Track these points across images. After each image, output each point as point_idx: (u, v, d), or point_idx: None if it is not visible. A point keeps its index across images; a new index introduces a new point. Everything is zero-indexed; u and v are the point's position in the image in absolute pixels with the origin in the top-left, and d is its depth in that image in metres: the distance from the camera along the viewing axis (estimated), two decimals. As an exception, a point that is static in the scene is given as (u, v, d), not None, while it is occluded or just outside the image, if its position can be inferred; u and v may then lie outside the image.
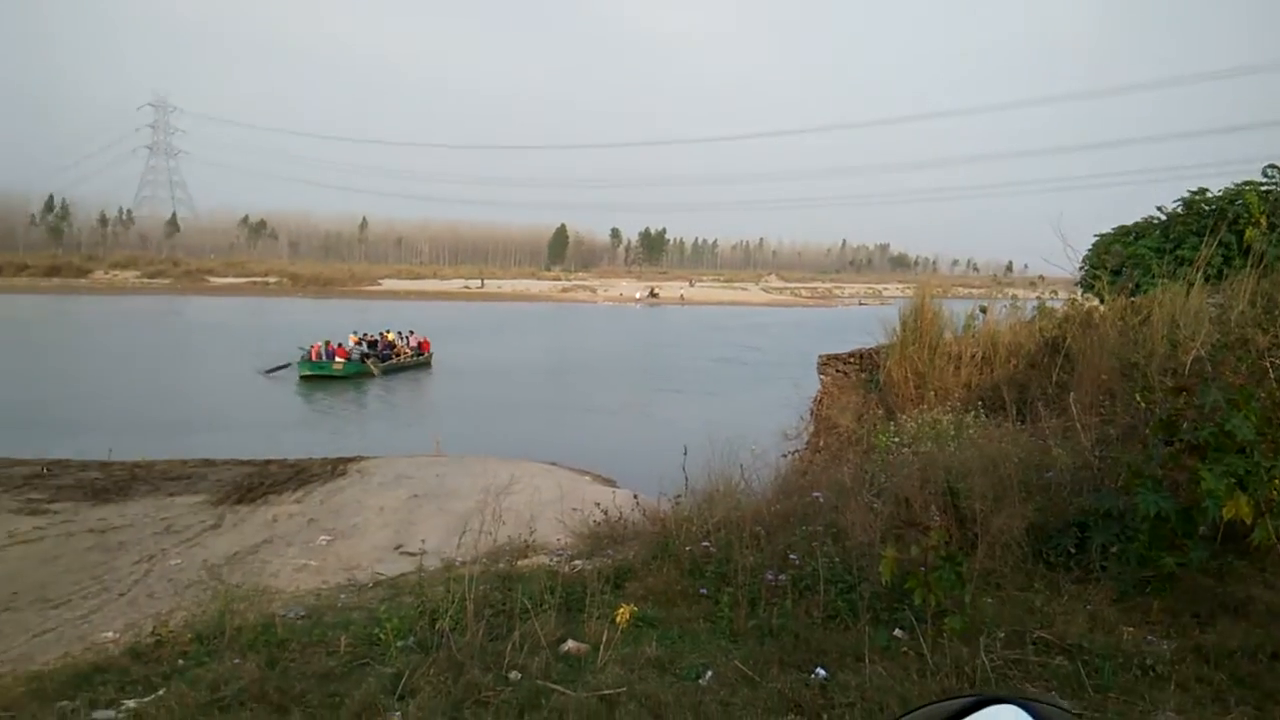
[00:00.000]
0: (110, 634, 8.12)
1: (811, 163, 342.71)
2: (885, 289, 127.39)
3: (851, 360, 14.54)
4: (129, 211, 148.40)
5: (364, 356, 34.64)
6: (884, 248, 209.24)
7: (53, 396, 27.42)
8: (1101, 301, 11.50)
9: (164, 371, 34.72)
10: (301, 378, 32.29)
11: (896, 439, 9.13)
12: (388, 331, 38.45)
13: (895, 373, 12.79)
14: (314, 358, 32.77)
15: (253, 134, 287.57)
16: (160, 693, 4.69)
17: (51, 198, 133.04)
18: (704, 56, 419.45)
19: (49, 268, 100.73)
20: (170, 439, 20.74)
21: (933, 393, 11.78)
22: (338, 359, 33.05)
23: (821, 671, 4.26)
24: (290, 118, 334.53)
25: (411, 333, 39.22)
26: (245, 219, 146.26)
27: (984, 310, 13.07)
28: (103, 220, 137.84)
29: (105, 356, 37.55)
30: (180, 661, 5.23)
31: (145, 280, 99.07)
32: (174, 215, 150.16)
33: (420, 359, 37.78)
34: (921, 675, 4.10)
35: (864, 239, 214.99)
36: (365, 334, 37.24)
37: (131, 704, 4.61)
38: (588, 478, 17.48)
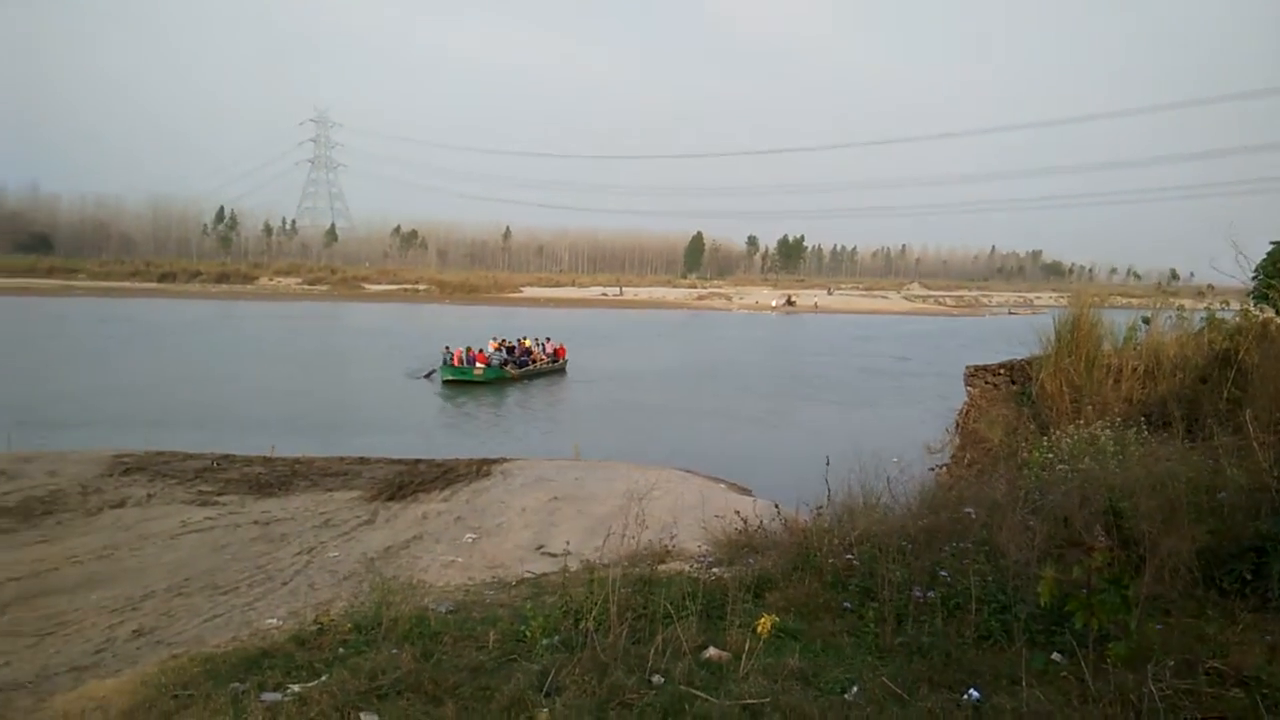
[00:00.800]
0: (274, 620, 8.58)
1: (959, 167, 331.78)
2: (1036, 298, 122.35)
3: (1001, 372, 14.04)
4: (292, 222, 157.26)
5: (503, 362, 35.52)
6: (1036, 254, 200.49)
7: (222, 397, 29.42)
8: (1278, 313, 10.75)
9: (321, 373, 36.67)
10: (444, 382, 33.42)
11: (1050, 455, 8.77)
12: (525, 338, 39.26)
13: (1049, 385, 12.29)
14: (456, 363, 33.82)
15: (406, 147, 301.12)
16: (323, 679, 4.93)
17: (222, 209, 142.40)
18: (846, 59, 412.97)
19: (219, 274, 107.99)
20: (327, 437, 21.87)
21: (1090, 407, 11.26)
22: (478, 364, 34.00)
23: (974, 693, 4.13)
24: (441, 131, 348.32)
25: (548, 339, 39.92)
26: (397, 229, 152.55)
27: (1147, 321, 12.44)
28: (267, 230, 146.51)
29: (269, 359, 40.03)
30: (340, 650, 5.48)
31: (306, 287, 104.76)
32: (332, 226, 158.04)
33: (556, 365, 38.39)
34: (1083, 702, 3.92)
35: (1014, 245, 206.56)
36: (504, 340, 38.13)
37: (297, 688, 4.86)
38: (723, 485, 17.42)
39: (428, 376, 34.66)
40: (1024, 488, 6.89)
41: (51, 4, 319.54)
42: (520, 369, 35.92)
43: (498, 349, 36.53)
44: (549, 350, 39.01)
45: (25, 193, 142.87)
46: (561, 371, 38.30)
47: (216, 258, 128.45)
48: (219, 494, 15.31)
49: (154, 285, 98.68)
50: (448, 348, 34.52)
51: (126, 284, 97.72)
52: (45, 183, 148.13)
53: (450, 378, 33.45)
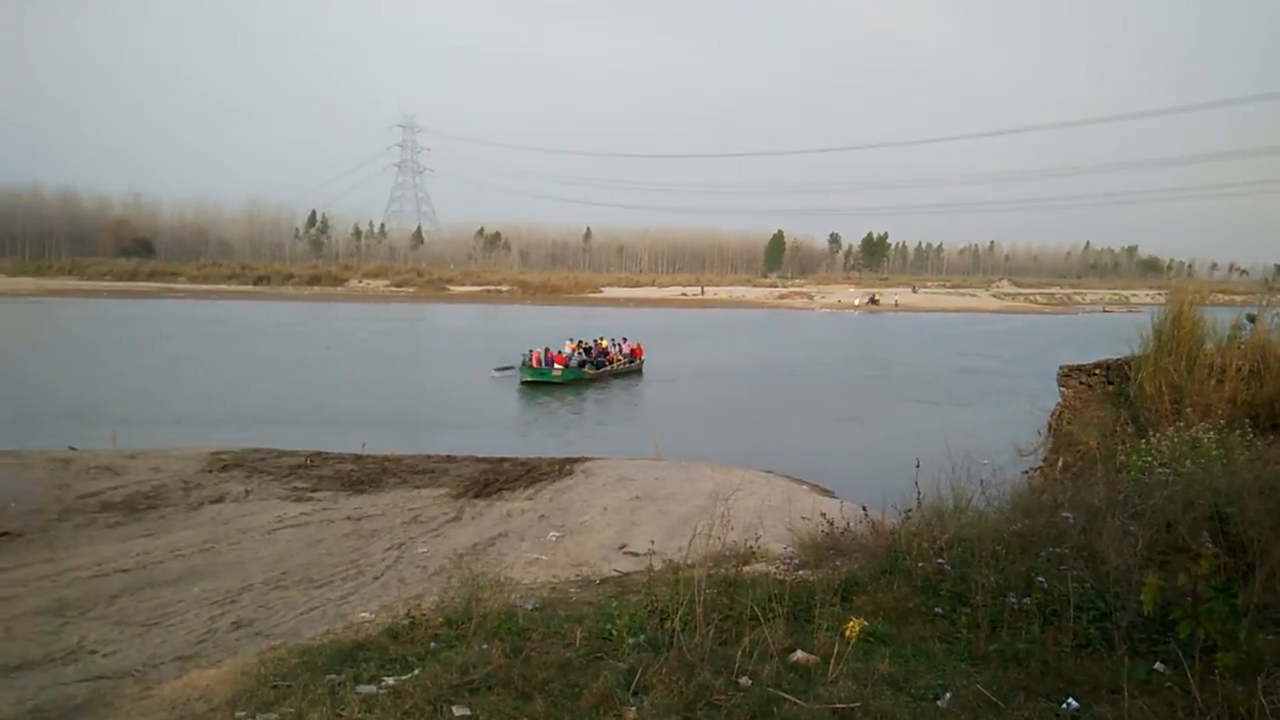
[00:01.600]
0: (367, 614, 8.77)
1: (1048, 161, 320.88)
2: (1133, 295, 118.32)
3: (1096, 372, 13.61)
4: (381, 225, 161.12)
5: (581, 363, 35.59)
6: (1131, 250, 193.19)
7: (313, 396, 30.39)
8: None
9: (407, 373, 37.51)
10: (522, 383, 33.56)
11: (1149, 458, 8.47)
12: (601, 339, 39.18)
13: (1148, 386, 11.87)
14: (534, 364, 33.91)
15: (489, 150, 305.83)
16: (416, 672, 5.05)
17: (314, 213, 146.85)
18: (928, 54, 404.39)
19: (311, 277, 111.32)
20: (413, 435, 22.36)
21: (1190, 408, 10.85)
22: (556, 366, 34.09)
23: (1073, 702, 4.02)
24: (523, 134, 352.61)
25: (624, 339, 39.81)
26: (480, 231, 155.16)
27: (1252, 319, 11.93)
28: (357, 233, 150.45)
29: (357, 360, 41.22)
30: (432, 644, 5.60)
31: (393, 288, 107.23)
32: (419, 228, 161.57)
33: (632, 365, 38.29)
34: (1188, 714, 3.78)
35: (1108, 241, 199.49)
36: (580, 341, 38.02)
37: (391, 681, 4.98)
38: (805, 487, 17.25)
39: (502, 371, 35.03)
40: (1123, 492, 6.66)
41: (147, 16, 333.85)
42: (597, 369, 35.99)
43: (575, 350, 36.54)
44: (625, 350, 38.98)
45: (129, 199, 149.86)
46: (638, 372, 38.26)
47: (308, 261, 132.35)
48: (313, 490, 15.76)
49: (249, 288, 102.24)
50: (530, 349, 34.73)
51: (224, 286, 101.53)
52: (147, 189, 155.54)
53: (529, 379, 33.61)
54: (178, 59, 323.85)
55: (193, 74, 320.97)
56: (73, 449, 18.41)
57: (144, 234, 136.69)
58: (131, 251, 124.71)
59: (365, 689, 4.90)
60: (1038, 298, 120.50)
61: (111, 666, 7.64)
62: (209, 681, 5.56)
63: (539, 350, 34.63)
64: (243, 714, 4.81)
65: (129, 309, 70.24)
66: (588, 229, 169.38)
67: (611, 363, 37.29)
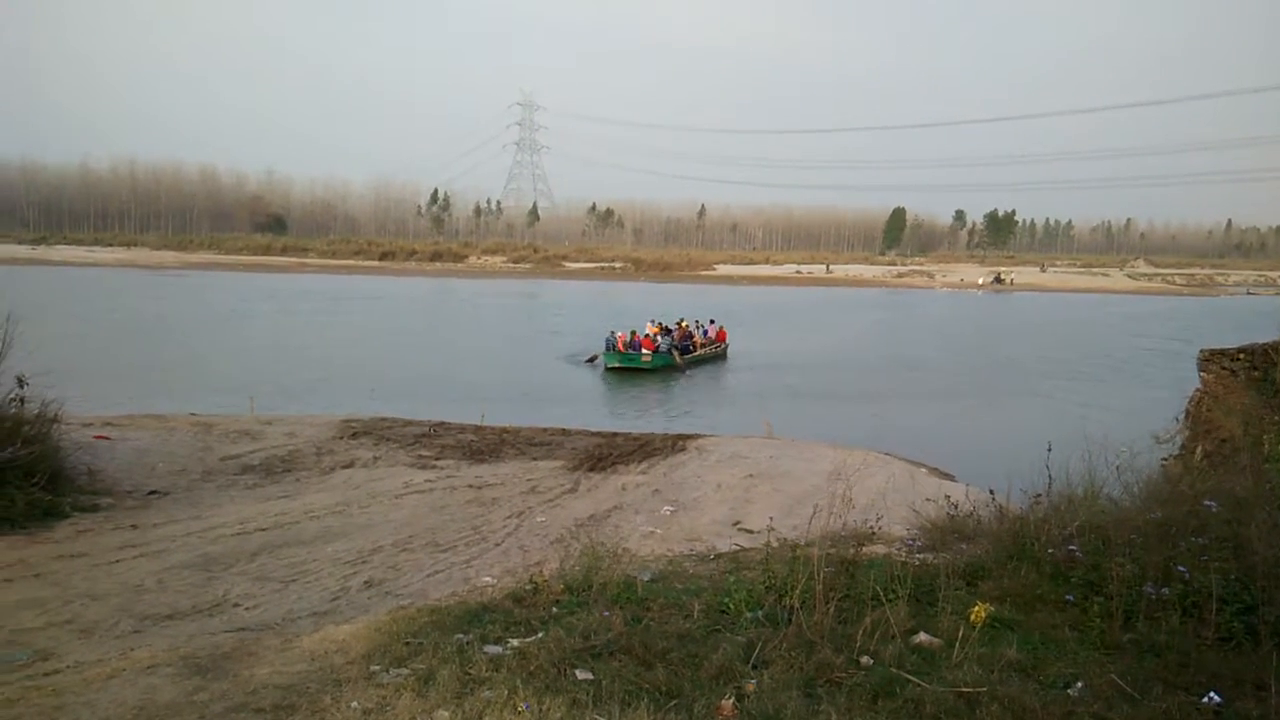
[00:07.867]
0: (489, 579, 9.03)
1: (1189, 135, 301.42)
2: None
3: (1240, 357, 12.87)
4: (498, 203, 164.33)
5: (670, 348, 33.19)
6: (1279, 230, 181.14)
7: (435, 370, 31.43)
8: None
9: (518, 350, 38.16)
10: (608, 369, 31.88)
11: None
12: (683, 320, 36.57)
13: (1298, 372, 11.18)
14: (620, 348, 32.07)
15: (605, 128, 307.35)
16: (539, 635, 5.21)
17: (436, 191, 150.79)
18: (1063, 21, 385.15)
19: (432, 253, 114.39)
20: (527, 408, 22.86)
21: (1346, 396, 10.17)
22: (645, 351, 32.10)
23: (1215, 697, 3.86)
24: (639, 109, 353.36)
25: (711, 321, 37.54)
26: (593, 207, 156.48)
27: None
28: (476, 211, 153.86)
29: (476, 336, 42.24)
30: (554, 609, 5.76)
31: (510, 265, 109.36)
32: (535, 206, 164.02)
33: (717, 350, 36.07)
34: (1343, 716, 3.59)
35: (1254, 220, 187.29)
36: (661, 323, 35.36)
37: (516, 643, 5.16)
38: (924, 469, 16.88)
39: (590, 361, 33.49)
40: (1270, 482, 6.32)
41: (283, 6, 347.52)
42: (683, 354, 33.65)
43: (658, 333, 33.98)
44: (710, 334, 36.68)
45: (263, 176, 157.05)
46: (722, 357, 36.03)
47: (430, 237, 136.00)
48: (436, 458, 16.25)
49: (375, 263, 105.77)
50: (615, 332, 33.03)
51: (351, 261, 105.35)
52: (279, 167, 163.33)
53: (616, 365, 31.74)
54: (310, 42, 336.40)
55: (326, 57, 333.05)
56: (200, 413, 19.36)
57: (277, 210, 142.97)
58: (265, 227, 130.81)
59: (492, 649, 5.08)
60: (1175, 278, 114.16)
61: (254, 619, 8.02)
62: (345, 636, 5.82)
63: (624, 333, 32.67)
64: (377, 668, 5.03)
65: (272, 283, 73.28)
66: (702, 206, 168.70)
67: (696, 347, 35.03)
